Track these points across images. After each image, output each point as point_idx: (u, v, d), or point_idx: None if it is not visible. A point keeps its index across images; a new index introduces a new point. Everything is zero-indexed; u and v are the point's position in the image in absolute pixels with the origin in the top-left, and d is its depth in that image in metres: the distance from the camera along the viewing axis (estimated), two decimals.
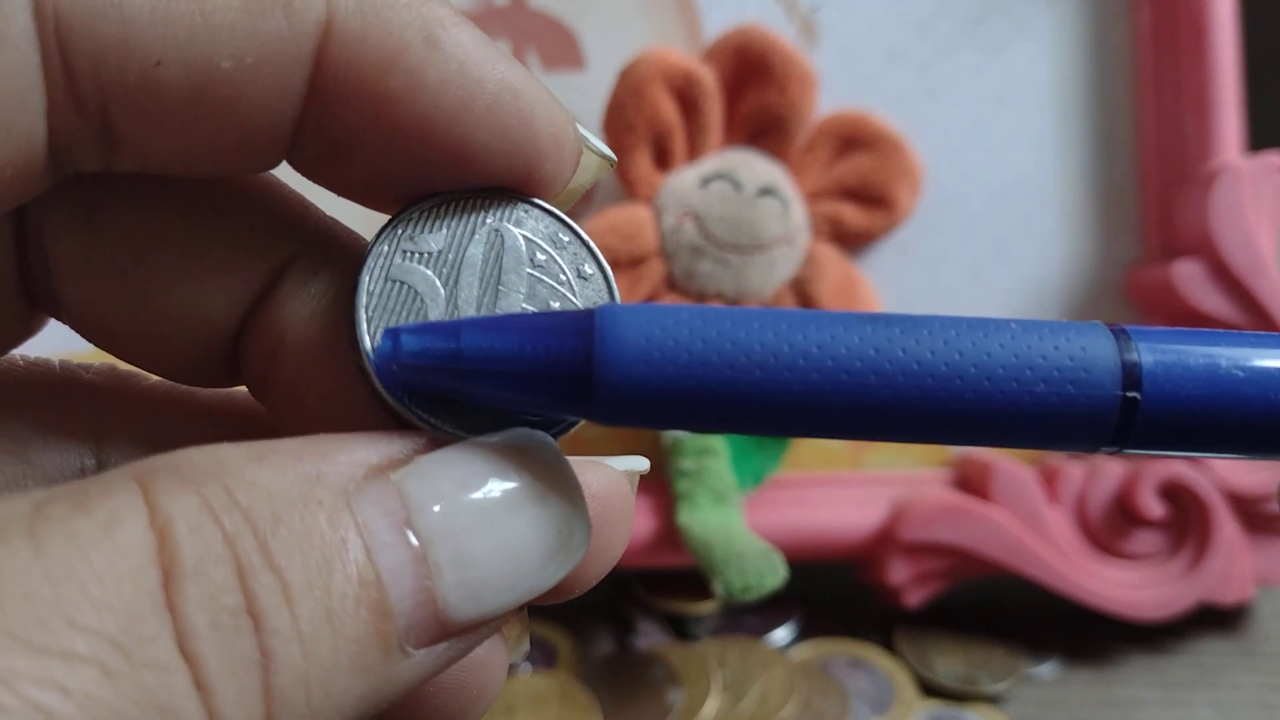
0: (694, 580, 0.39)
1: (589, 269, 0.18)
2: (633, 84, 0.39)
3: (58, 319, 0.19)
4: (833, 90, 0.42)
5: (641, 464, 0.18)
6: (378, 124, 0.16)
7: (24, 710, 0.11)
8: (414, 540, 0.14)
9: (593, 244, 0.18)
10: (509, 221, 0.17)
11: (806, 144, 0.41)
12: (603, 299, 0.17)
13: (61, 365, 0.20)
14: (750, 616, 0.42)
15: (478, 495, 0.15)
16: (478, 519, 0.15)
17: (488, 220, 0.17)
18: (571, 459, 0.17)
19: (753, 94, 0.40)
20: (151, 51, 0.15)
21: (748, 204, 0.39)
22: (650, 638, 0.42)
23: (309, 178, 0.17)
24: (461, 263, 0.17)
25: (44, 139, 0.15)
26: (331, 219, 0.19)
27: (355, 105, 0.16)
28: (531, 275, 0.17)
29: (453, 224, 0.17)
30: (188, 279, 0.17)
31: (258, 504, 0.13)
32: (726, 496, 0.39)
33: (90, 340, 0.18)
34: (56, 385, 0.19)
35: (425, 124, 0.16)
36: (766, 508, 0.41)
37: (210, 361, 0.18)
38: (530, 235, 0.17)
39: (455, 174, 0.17)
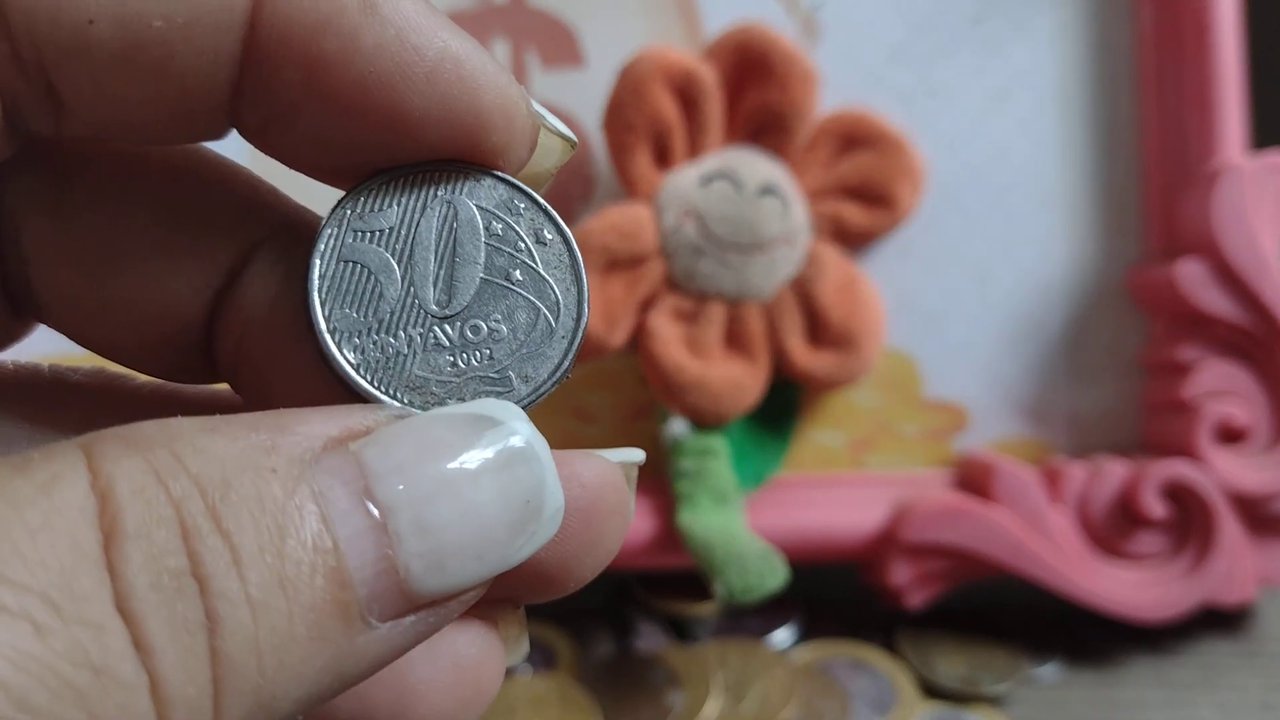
0: (694, 581, 0.39)
1: (548, 234, 0.17)
2: (633, 82, 0.39)
3: (37, 319, 0.19)
4: (834, 89, 0.42)
5: (636, 455, 0.18)
6: (313, 88, 0.16)
7: None
8: (373, 509, 0.14)
9: (550, 208, 0.17)
10: (461, 193, 0.17)
11: (808, 143, 0.41)
12: (563, 262, 0.17)
13: (50, 368, 0.20)
14: (751, 618, 0.42)
15: (440, 464, 0.14)
16: (440, 487, 0.14)
17: (439, 193, 0.17)
18: (563, 451, 0.17)
19: (753, 92, 0.40)
20: (84, 10, 0.15)
21: (748, 203, 0.39)
22: (650, 639, 0.41)
23: (259, 148, 0.17)
24: (414, 238, 0.17)
25: None
26: (300, 206, 0.19)
27: (290, 68, 0.16)
28: (488, 245, 0.17)
29: (403, 200, 0.17)
30: (156, 261, 0.17)
31: (207, 469, 0.13)
32: (727, 497, 0.39)
33: (67, 334, 0.19)
34: (45, 386, 0.19)
35: (361, 89, 0.16)
36: (767, 508, 0.41)
37: (185, 352, 0.18)
38: (484, 205, 0.17)
39: (399, 143, 0.17)
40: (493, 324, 0.17)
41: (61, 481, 0.12)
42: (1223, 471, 0.40)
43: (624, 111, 0.39)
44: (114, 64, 0.15)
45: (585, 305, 0.17)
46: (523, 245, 0.17)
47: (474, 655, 0.18)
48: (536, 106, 0.18)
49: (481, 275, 0.17)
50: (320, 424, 0.14)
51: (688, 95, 0.39)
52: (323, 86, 0.16)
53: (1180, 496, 0.40)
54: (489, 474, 0.15)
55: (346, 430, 0.15)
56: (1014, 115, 0.43)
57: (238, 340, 0.18)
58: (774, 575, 0.37)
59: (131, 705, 0.12)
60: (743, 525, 0.39)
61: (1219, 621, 0.42)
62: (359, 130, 0.16)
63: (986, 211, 0.43)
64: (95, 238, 0.17)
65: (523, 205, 0.17)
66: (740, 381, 0.39)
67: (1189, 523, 0.40)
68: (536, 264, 0.17)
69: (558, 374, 0.17)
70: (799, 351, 0.40)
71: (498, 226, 0.17)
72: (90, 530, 0.12)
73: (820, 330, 0.40)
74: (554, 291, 0.17)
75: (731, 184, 0.39)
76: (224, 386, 0.19)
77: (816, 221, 0.41)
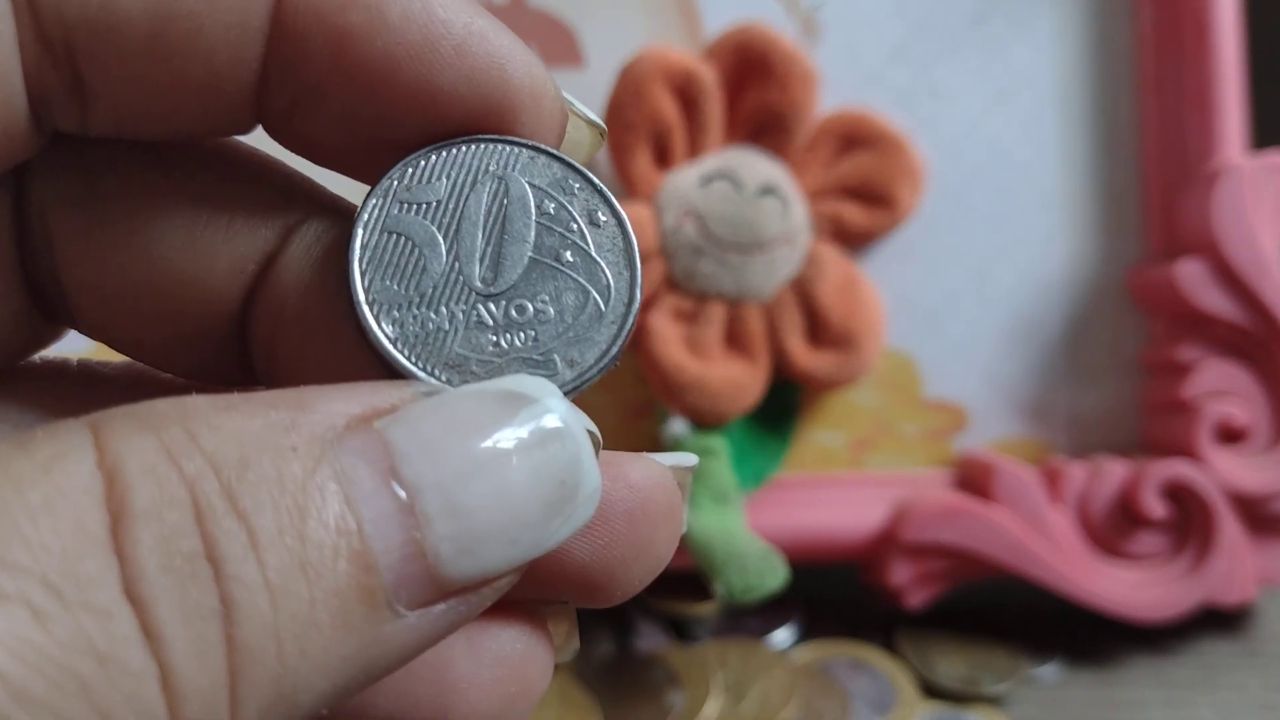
0: (694, 581, 0.39)
1: (602, 216, 0.17)
2: (633, 82, 0.39)
3: (68, 323, 0.18)
4: (834, 89, 0.42)
5: (689, 459, 0.17)
6: (340, 62, 0.15)
7: None
8: (400, 490, 0.13)
9: (606, 190, 0.17)
10: (514, 169, 0.16)
11: (808, 143, 0.41)
12: (616, 246, 0.17)
13: (79, 362, 0.19)
14: (751, 618, 0.42)
15: (471, 442, 0.14)
16: (471, 467, 0.14)
17: (490, 168, 0.16)
18: (612, 452, 0.16)
19: (753, 92, 0.40)
20: None
21: (748, 203, 0.39)
22: (650, 639, 0.41)
23: (282, 142, 0.17)
24: (462, 213, 0.16)
25: (20, 77, 0.15)
26: (335, 195, 0.18)
27: (316, 42, 0.15)
28: (539, 224, 0.16)
29: (453, 173, 0.16)
30: (189, 250, 0.17)
31: (223, 448, 0.13)
32: (727, 497, 0.39)
33: (97, 336, 0.18)
34: (73, 380, 0.19)
35: (389, 62, 0.15)
36: (767, 508, 0.41)
37: (218, 347, 0.18)
38: (537, 182, 0.17)
39: (426, 122, 0.16)
40: (539, 305, 0.16)
41: (65, 460, 0.12)
42: (1223, 471, 0.40)
43: (624, 111, 0.39)
44: (141, 41, 0.15)
45: (638, 291, 0.17)
46: (575, 226, 0.17)
47: (519, 652, 0.17)
48: (565, 94, 0.17)
49: (530, 254, 0.16)
50: (343, 401, 0.14)
51: (688, 95, 0.39)
52: (350, 60, 0.15)
53: (1180, 496, 0.40)
54: (522, 453, 0.14)
55: (371, 408, 0.14)
56: (1014, 115, 0.43)
57: (272, 330, 0.17)
58: (774, 575, 0.37)
59: (139, 696, 0.11)
60: (743, 525, 0.39)
61: (1219, 621, 0.42)
62: (386, 108, 0.16)
63: (986, 211, 0.43)
64: (126, 230, 0.17)
65: (577, 185, 0.17)
66: (740, 381, 0.39)
67: (1189, 523, 0.40)
68: (589, 246, 0.17)
69: (604, 360, 0.16)
70: (799, 351, 0.40)
71: (550, 205, 0.17)
72: (97, 510, 0.12)
73: (820, 330, 0.40)
74: (605, 275, 0.17)
75: (731, 184, 0.39)
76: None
77: (816, 221, 0.41)
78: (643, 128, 0.39)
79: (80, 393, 0.19)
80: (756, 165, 0.40)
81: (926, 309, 0.43)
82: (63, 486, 0.12)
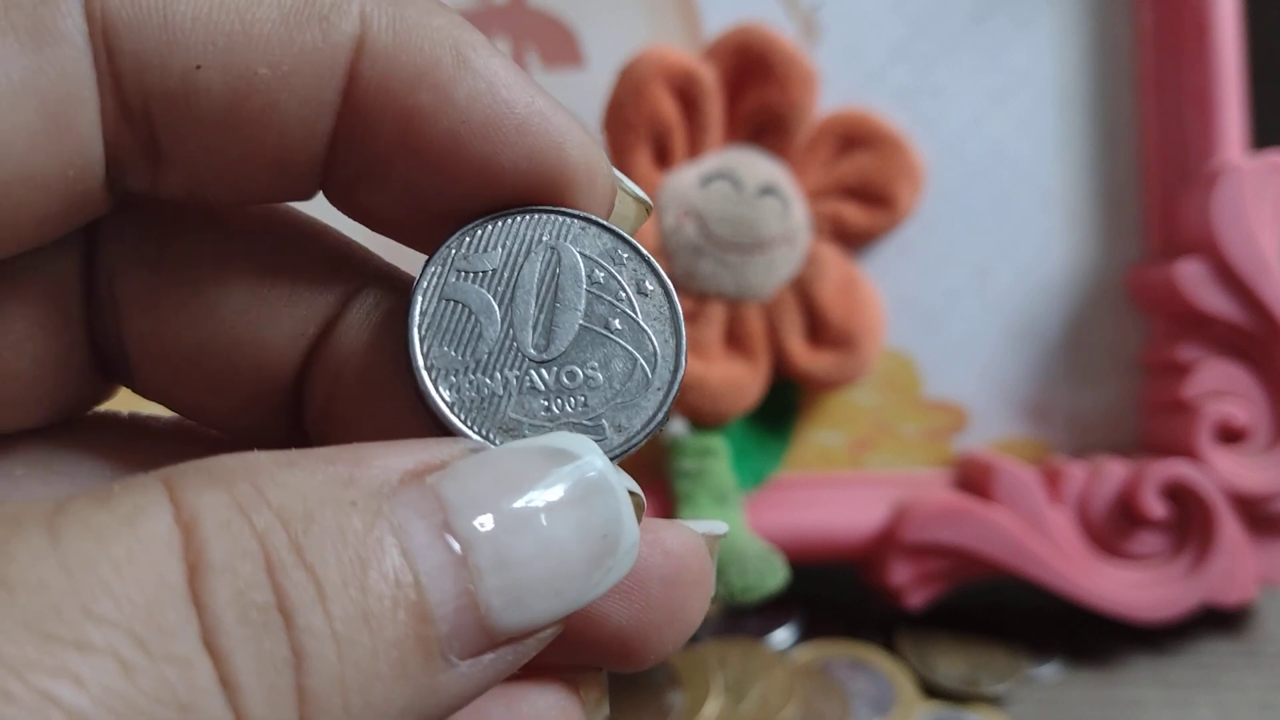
0: None
1: (650, 285, 0.18)
2: (633, 83, 0.39)
3: (124, 383, 0.19)
4: (834, 89, 0.42)
5: (720, 528, 0.18)
6: (407, 139, 0.16)
7: (33, 700, 0.11)
8: (454, 544, 0.14)
9: (653, 260, 0.18)
10: (565, 239, 0.17)
11: (808, 143, 0.41)
12: (663, 315, 0.18)
13: (130, 415, 0.20)
14: (751, 618, 0.42)
15: (517, 498, 0.14)
16: (519, 521, 0.14)
17: (543, 238, 0.17)
18: (649, 519, 0.16)
19: (753, 92, 0.40)
20: (192, 55, 0.15)
21: (748, 203, 0.39)
22: None
23: (343, 209, 0.18)
24: (517, 281, 0.17)
25: (100, 141, 0.15)
26: (390, 264, 0.19)
27: (385, 119, 0.16)
28: (589, 292, 0.17)
29: (508, 242, 0.17)
30: (252, 311, 0.18)
31: (289, 503, 0.13)
32: (727, 497, 0.39)
33: (153, 396, 0.19)
34: (124, 433, 0.20)
35: (453, 140, 0.16)
36: (767, 508, 0.41)
37: (274, 410, 0.19)
38: (587, 252, 0.17)
39: (484, 197, 0.17)
40: (589, 371, 0.17)
41: (145, 514, 0.12)
42: (1223, 471, 0.40)
43: (624, 111, 0.39)
44: (218, 112, 0.15)
45: (683, 359, 0.17)
46: (624, 295, 0.17)
47: (554, 718, 0.18)
48: (615, 170, 0.18)
49: (581, 322, 0.17)
50: (396, 457, 0.14)
51: (688, 95, 0.39)
52: (416, 138, 0.16)
53: (1180, 496, 0.40)
54: (566, 507, 0.15)
55: (423, 464, 0.14)
56: (1014, 115, 0.43)
57: (329, 392, 0.18)
58: (774, 575, 0.37)
59: None
60: (743, 525, 0.39)
61: (1219, 621, 0.42)
62: (447, 183, 0.16)
63: (986, 211, 0.43)
64: (191, 291, 0.18)
65: (626, 255, 0.18)
66: (740, 381, 0.39)
67: (1189, 523, 0.40)
68: (636, 314, 0.17)
69: (651, 426, 0.17)
70: (799, 351, 0.40)
71: (600, 274, 0.17)
72: (176, 563, 0.12)
73: (820, 330, 0.40)
74: (652, 343, 0.17)
75: (731, 184, 0.39)
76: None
77: (816, 221, 0.41)
78: (643, 128, 0.39)
79: (132, 445, 0.19)
80: (756, 165, 0.40)
81: (926, 309, 0.43)
82: (144, 540, 0.12)
